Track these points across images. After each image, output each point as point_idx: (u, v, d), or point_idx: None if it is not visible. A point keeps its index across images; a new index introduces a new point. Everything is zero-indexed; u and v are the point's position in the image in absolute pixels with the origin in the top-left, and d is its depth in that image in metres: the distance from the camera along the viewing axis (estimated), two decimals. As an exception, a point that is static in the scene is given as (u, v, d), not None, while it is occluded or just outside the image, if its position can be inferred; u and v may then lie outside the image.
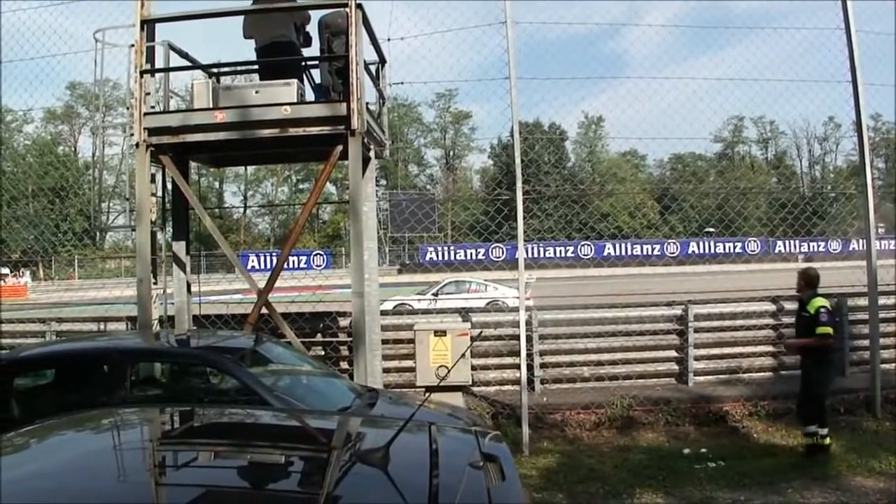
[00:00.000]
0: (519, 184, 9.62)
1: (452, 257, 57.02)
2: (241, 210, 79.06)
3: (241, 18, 9.72)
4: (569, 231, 65.67)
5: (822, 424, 8.79)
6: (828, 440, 8.80)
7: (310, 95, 9.82)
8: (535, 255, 53.76)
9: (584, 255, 57.97)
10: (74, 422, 3.50)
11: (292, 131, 8.64)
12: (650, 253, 60.71)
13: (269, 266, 47.56)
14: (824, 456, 8.67)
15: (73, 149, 76.04)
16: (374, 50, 10.50)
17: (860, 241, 13.99)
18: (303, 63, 9.99)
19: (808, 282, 9.04)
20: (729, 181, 75.48)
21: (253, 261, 52.65)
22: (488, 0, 10.61)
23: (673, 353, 12.07)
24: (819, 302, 8.70)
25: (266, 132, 8.71)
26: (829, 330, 8.61)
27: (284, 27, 9.51)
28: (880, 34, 11.41)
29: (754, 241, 59.66)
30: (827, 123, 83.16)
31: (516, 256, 9.95)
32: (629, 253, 60.27)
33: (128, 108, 10.17)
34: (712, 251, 58.02)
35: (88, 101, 68.84)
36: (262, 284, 9.39)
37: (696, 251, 59.55)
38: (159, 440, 3.38)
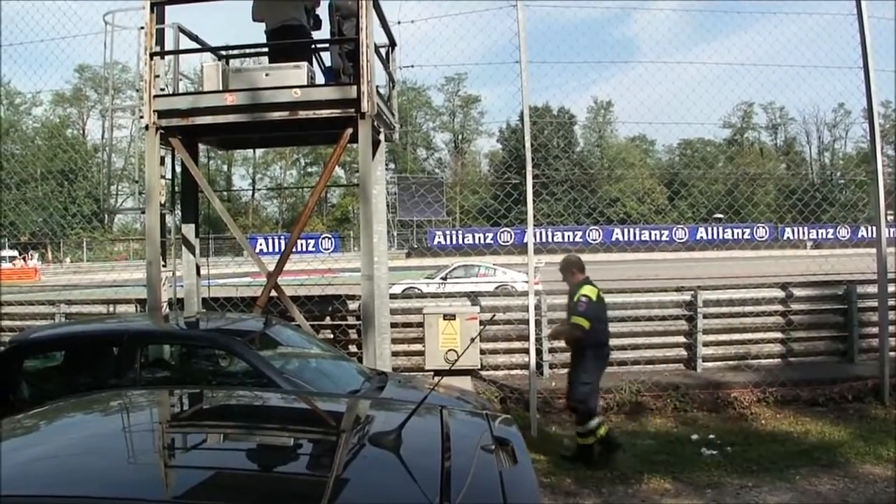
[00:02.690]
0: (529, 168, 9.59)
1: (461, 241, 57.06)
2: (250, 193, 79.20)
3: (249, 1, 9.72)
4: (577, 215, 65.64)
5: (581, 422, 8.13)
6: (591, 440, 8.10)
7: (320, 78, 9.81)
8: (544, 239, 53.74)
9: (593, 239, 57.99)
10: (84, 404, 3.51)
11: (302, 114, 8.65)
12: (659, 238, 60.62)
13: (277, 249, 47.74)
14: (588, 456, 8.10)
15: (81, 131, 76.25)
16: (385, 33, 10.50)
17: (869, 228, 13.95)
18: (313, 46, 9.98)
19: (573, 268, 8.32)
20: (738, 167, 75.41)
21: (261, 244, 52.69)
22: None
23: (682, 339, 12.05)
24: (583, 291, 7.99)
25: (276, 115, 8.73)
26: (582, 321, 7.88)
27: (295, 10, 9.50)
28: (893, 20, 11.34)
29: (763, 227, 59.65)
30: (837, 110, 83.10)
31: (525, 241, 9.93)
32: (638, 238, 60.26)
33: (137, 91, 10.18)
34: (721, 237, 58.06)
35: (97, 84, 68.90)
36: (270, 267, 9.41)
37: (705, 237, 59.61)
38: (168, 422, 3.39)
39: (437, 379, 7.67)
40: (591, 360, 8.13)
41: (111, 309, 12.77)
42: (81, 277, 34.28)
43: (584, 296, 7.95)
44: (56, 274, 44.49)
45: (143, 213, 9.61)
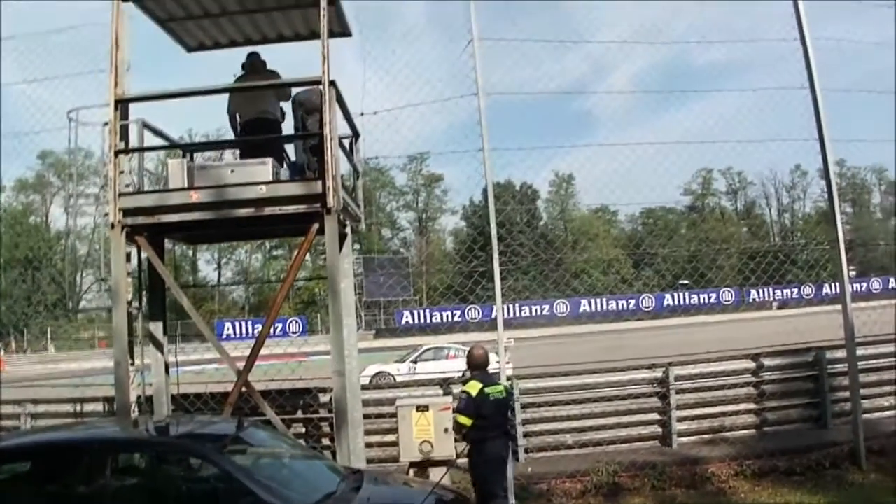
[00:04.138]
0: (496, 255, 9.66)
1: (428, 320, 57.13)
2: (216, 279, 79.17)
3: (213, 96, 9.81)
4: (545, 287, 66.02)
5: None
6: None
7: (285, 173, 9.84)
8: (512, 314, 53.90)
9: (560, 312, 58.24)
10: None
11: (268, 210, 8.62)
12: (626, 308, 61.03)
13: (244, 334, 47.49)
14: None
15: (44, 218, 75.92)
16: (348, 124, 10.55)
17: (833, 285, 14.16)
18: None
19: (471, 363, 8.58)
20: (700, 233, 76.51)
21: (228, 329, 52.42)
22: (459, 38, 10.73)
23: (656, 416, 12.06)
24: (466, 387, 8.19)
25: (242, 212, 8.70)
26: (461, 418, 8.03)
27: (270, 104, 9.65)
28: (838, 91, 11.61)
29: (728, 291, 60.25)
30: (794, 171, 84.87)
31: (493, 317, 9.95)
32: (605, 309, 60.62)
33: (103, 188, 10.10)
34: (687, 303, 58.60)
35: (60, 171, 68.85)
36: (235, 354, 9.33)
37: (672, 304, 60.07)
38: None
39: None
40: (480, 456, 8.12)
41: (78, 407, 12.55)
42: (53, 368, 33.73)
43: (465, 392, 8.10)
44: (20, 364, 43.77)
45: (110, 311, 9.47)
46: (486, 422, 8.02)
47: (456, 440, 8.87)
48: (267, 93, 9.89)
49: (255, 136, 9.80)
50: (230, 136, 10.49)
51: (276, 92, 9.93)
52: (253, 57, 10.27)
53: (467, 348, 24.16)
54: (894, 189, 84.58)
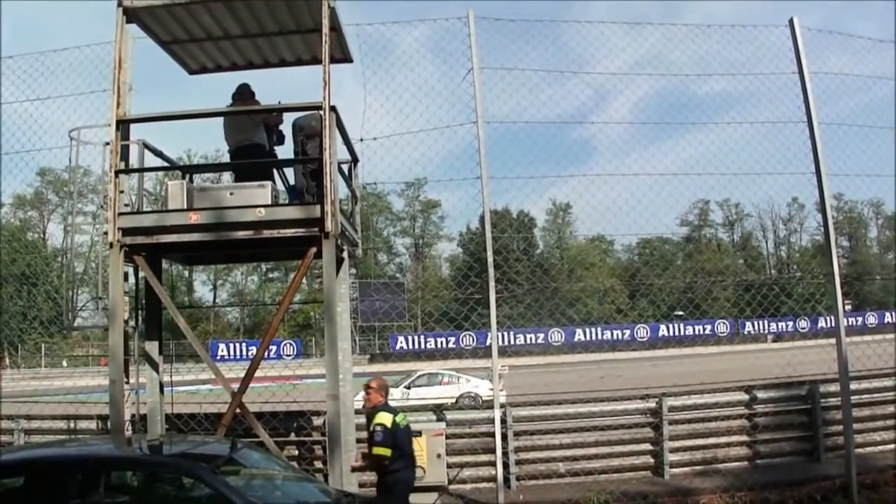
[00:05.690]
0: (492, 283, 9.69)
1: (423, 346, 57.06)
2: (211, 299, 78.98)
3: (212, 119, 9.91)
4: (540, 315, 65.94)
5: None
6: None
7: (284, 197, 9.89)
8: (507, 342, 53.81)
9: (555, 341, 58.16)
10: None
11: (266, 233, 8.68)
12: (621, 337, 60.94)
13: (238, 355, 47.42)
14: None
15: (42, 234, 75.89)
16: (347, 150, 10.62)
17: (828, 318, 14.17)
18: (276, 164, 10.13)
19: (370, 390, 8.52)
20: (696, 264, 76.53)
21: (223, 350, 52.32)
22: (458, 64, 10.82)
23: (648, 446, 12.03)
24: (378, 419, 8.11)
25: (240, 234, 8.74)
26: (383, 451, 7.97)
27: (252, 132, 9.74)
28: (836, 124, 11.70)
29: (723, 322, 60.18)
30: (791, 204, 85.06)
31: (487, 343, 9.94)
32: (599, 338, 60.49)
33: (102, 207, 10.12)
34: (682, 334, 58.52)
35: (58, 188, 68.85)
36: (229, 375, 9.34)
37: (666, 334, 59.96)
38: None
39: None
40: (391, 486, 8.15)
41: (72, 424, 12.54)
42: (48, 385, 33.58)
43: (380, 424, 8.03)
44: (13, 380, 43.62)
45: (107, 330, 9.46)
46: (401, 451, 8.11)
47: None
48: (248, 121, 10.02)
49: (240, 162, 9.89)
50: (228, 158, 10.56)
51: (255, 118, 10.06)
52: (242, 87, 10.41)
53: (462, 375, 24.32)
54: (892, 223, 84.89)
